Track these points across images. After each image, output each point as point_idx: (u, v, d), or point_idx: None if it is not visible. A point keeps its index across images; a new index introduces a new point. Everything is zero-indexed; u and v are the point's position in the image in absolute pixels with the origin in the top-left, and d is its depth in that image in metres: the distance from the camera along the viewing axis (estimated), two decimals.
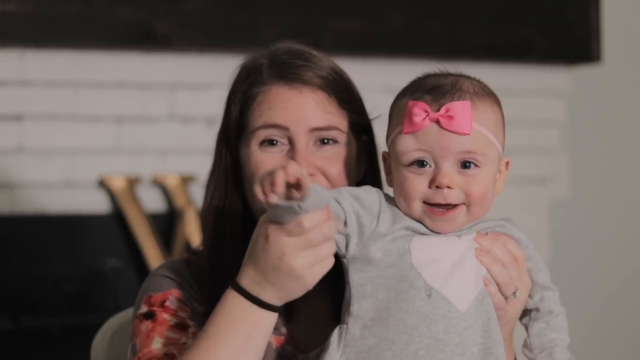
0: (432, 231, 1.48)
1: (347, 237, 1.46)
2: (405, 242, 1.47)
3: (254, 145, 1.60)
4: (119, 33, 2.88)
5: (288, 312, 1.62)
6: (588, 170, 3.74)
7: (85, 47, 2.89)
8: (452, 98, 1.46)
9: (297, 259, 1.38)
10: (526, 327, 1.56)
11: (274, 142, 1.59)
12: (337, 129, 1.61)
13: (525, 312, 1.56)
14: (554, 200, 3.63)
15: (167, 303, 1.60)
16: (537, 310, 1.54)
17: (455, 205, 1.45)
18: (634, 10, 3.83)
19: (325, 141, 1.61)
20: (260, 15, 3.04)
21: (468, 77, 1.53)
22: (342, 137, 1.62)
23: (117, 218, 2.96)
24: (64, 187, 2.91)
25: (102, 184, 2.94)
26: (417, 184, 1.45)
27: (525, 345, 1.55)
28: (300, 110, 1.59)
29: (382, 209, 1.47)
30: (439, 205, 1.45)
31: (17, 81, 2.85)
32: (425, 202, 1.46)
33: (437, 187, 1.44)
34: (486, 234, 1.50)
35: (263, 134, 1.59)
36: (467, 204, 1.45)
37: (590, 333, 3.75)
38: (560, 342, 1.53)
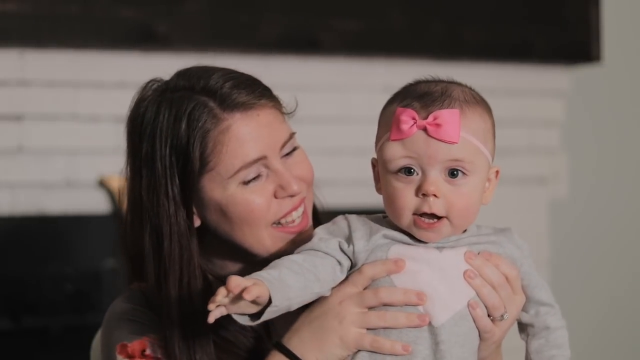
0: (416, 241, 1.47)
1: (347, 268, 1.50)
2: (383, 252, 1.47)
3: (234, 186, 1.56)
4: (119, 33, 2.88)
5: (267, 330, 1.62)
6: (587, 170, 3.74)
7: (85, 47, 2.89)
8: (441, 105, 1.45)
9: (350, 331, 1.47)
10: (526, 343, 1.55)
11: (258, 176, 1.57)
12: (293, 133, 1.62)
13: (522, 327, 1.55)
14: (554, 200, 3.63)
15: (148, 352, 1.56)
16: (532, 326, 1.53)
17: (438, 220, 1.44)
18: (634, 10, 3.83)
19: (289, 152, 1.61)
20: (260, 15, 3.04)
21: (459, 85, 1.51)
22: (296, 141, 1.63)
23: (117, 218, 2.96)
24: (64, 187, 2.91)
25: (102, 184, 2.94)
26: (406, 194, 1.45)
27: None
28: (267, 133, 1.58)
29: (352, 229, 1.49)
30: (425, 215, 1.44)
31: (17, 81, 2.85)
32: (414, 214, 1.45)
33: (424, 194, 1.43)
34: (478, 253, 1.48)
35: (244, 174, 1.56)
36: (449, 217, 1.44)
37: (590, 333, 3.74)
38: (560, 359, 1.52)
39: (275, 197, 1.58)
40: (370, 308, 1.47)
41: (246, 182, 1.56)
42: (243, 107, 1.56)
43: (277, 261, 1.48)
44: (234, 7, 3.02)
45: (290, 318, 1.54)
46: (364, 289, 1.48)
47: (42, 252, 2.89)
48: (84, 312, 2.89)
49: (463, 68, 3.29)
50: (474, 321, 1.46)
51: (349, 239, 1.48)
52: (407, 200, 1.44)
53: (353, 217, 1.50)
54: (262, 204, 1.56)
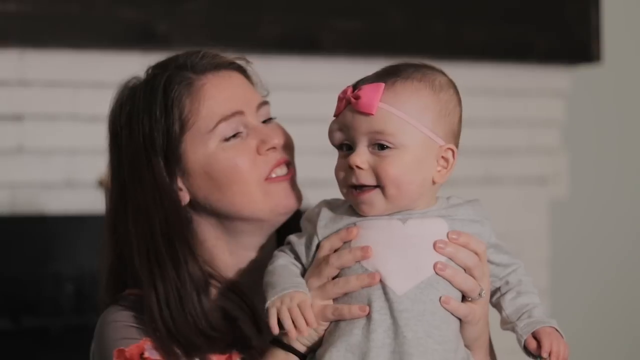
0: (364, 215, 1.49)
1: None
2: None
3: (215, 143, 1.58)
4: (119, 33, 2.88)
5: (257, 325, 1.63)
6: (588, 170, 3.74)
7: (85, 47, 2.89)
8: (374, 81, 1.48)
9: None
10: (498, 305, 1.54)
11: (237, 134, 1.59)
12: (269, 103, 1.66)
13: (494, 291, 1.54)
14: (554, 200, 3.63)
15: (147, 354, 1.55)
16: (506, 283, 1.53)
17: (369, 188, 1.46)
18: (634, 10, 3.83)
19: (266, 120, 1.64)
20: (260, 15, 3.04)
21: (423, 66, 1.52)
22: (270, 113, 1.66)
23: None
24: (64, 187, 2.91)
25: (102, 184, 2.94)
26: (341, 167, 1.49)
27: (503, 320, 1.53)
28: (242, 92, 1.62)
29: (321, 212, 1.52)
30: (354, 186, 1.47)
31: (17, 81, 2.85)
32: (349, 186, 1.48)
33: (350, 167, 1.47)
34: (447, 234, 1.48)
35: (224, 128, 1.58)
36: (380, 185, 1.46)
37: (590, 332, 3.74)
38: (536, 305, 1.51)
39: (259, 153, 1.59)
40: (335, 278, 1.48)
41: (227, 139, 1.58)
42: (214, 68, 1.62)
43: (277, 271, 1.52)
44: (234, 7, 3.02)
45: None
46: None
47: (42, 252, 2.89)
48: (84, 312, 2.88)
49: (463, 68, 3.29)
50: (452, 283, 1.46)
51: (315, 221, 1.51)
52: (342, 174, 1.49)
53: (326, 203, 1.54)
54: (245, 160, 1.58)
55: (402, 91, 1.47)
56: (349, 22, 3.16)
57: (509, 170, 3.50)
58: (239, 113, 1.59)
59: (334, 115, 1.50)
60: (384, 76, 1.49)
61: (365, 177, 1.46)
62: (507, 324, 1.52)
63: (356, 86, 1.49)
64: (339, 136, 1.49)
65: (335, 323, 1.47)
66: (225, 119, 1.58)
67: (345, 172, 1.48)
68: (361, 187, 1.46)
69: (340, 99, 1.49)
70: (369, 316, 1.43)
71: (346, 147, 1.49)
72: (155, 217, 1.57)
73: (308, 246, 1.52)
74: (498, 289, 1.54)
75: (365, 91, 1.46)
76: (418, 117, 1.46)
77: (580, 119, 3.70)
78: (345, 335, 1.44)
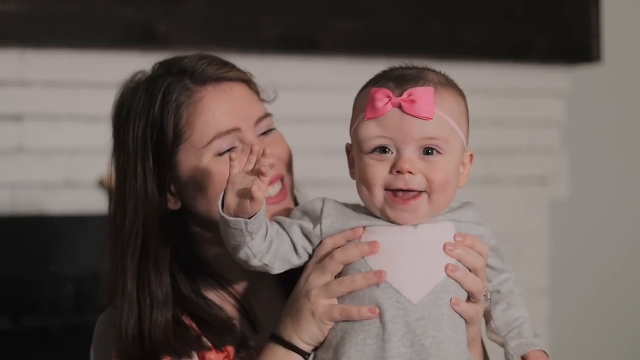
0: (392, 222, 1.46)
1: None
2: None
3: (208, 157, 1.58)
4: (119, 33, 2.88)
5: (253, 324, 1.63)
6: (588, 170, 3.74)
7: (85, 47, 2.89)
8: (416, 84, 1.45)
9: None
10: (487, 314, 1.54)
11: (232, 148, 1.59)
12: (269, 114, 1.64)
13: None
14: (554, 200, 3.63)
15: None
16: (498, 292, 1.54)
17: (417, 194, 1.44)
18: (634, 10, 3.83)
19: (265, 132, 1.63)
20: (260, 15, 3.04)
21: (433, 70, 1.51)
22: (273, 123, 1.65)
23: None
24: (64, 187, 2.91)
25: (102, 184, 2.94)
26: (378, 169, 1.45)
27: (491, 330, 1.54)
28: (241, 106, 1.60)
29: (324, 212, 1.49)
30: (400, 190, 1.44)
31: (17, 81, 2.85)
32: (386, 189, 1.45)
33: (398, 172, 1.43)
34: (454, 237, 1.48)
35: (218, 144, 1.58)
36: (429, 191, 1.44)
37: (590, 332, 3.75)
38: (525, 320, 1.53)
39: None
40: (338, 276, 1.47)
41: (220, 154, 1.58)
42: (215, 80, 1.60)
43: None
44: (234, 7, 3.02)
45: (277, 312, 1.55)
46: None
47: (42, 252, 2.89)
48: (84, 312, 2.89)
49: (463, 68, 3.29)
50: (462, 285, 1.46)
51: (317, 220, 1.49)
52: (379, 175, 1.45)
53: (329, 201, 1.51)
54: None
55: (447, 97, 1.46)
56: (349, 22, 3.16)
57: (509, 170, 3.50)
58: (235, 130, 1.59)
59: (369, 118, 1.45)
60: (411, 80, 1.45)
61: (416, 182, 1.43)
62: (496, 336, 1.53)
63: (392, 88, 1.44)
64: (380, 141, 1.44)
65: (343, 330, 1.45)
66: (220, 135, 1.58)
67: (383, 174, 1.44)
68: (405, 194, 1.43)
69: (379, 100, 1.44)
70: (382, 325, 1.42)
71: (381, 150, 1.45)
72: (134, 220, 1.58)
73: (305, 233, 1.50)
74: (490, 296, 1.54)
75: (420, 95, 1.43)
76: (458, 123, 1.47)
77: (580, 119, 3.70)
78: (359, 345, 1.43)
